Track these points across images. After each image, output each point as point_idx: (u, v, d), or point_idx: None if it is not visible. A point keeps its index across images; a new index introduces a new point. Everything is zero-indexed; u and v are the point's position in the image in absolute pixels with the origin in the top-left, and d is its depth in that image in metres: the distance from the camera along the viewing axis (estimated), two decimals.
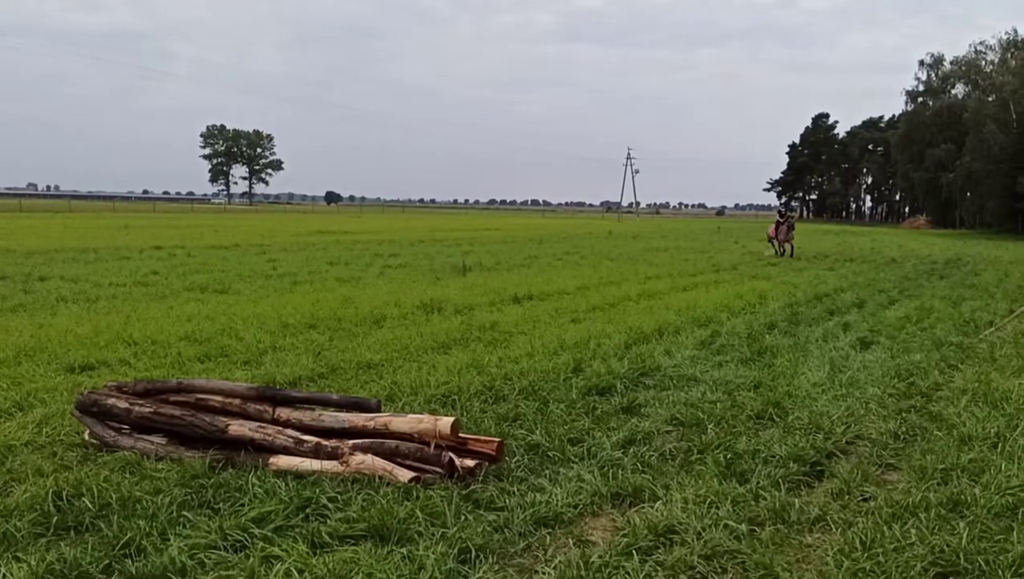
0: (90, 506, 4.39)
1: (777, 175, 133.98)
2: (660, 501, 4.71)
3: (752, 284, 17.45)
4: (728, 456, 5.48)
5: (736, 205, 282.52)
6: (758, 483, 4.99)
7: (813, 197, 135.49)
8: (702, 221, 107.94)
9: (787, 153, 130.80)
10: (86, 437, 5.64)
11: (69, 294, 13.49)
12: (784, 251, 28.21)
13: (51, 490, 4.53)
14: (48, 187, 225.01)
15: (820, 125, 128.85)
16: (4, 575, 3.63)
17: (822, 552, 4.13)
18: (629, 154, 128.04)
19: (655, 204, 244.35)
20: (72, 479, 4.77)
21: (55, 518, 4.25)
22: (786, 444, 5.72)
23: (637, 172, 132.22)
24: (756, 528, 4.37)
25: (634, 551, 4.03)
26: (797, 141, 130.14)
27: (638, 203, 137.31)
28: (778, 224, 28.76)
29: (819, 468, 5.41)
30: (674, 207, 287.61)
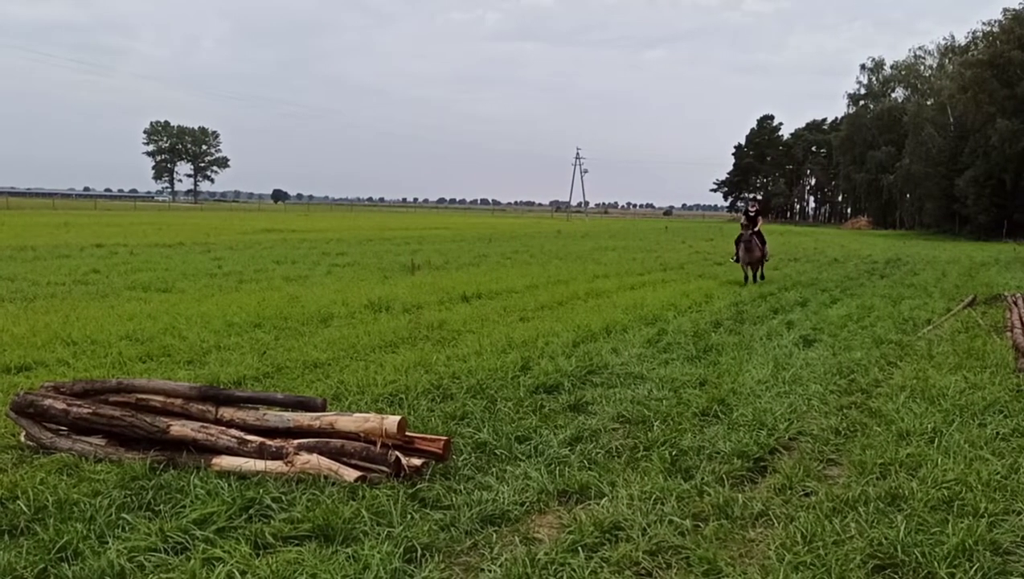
0: (25, 509, 4.28)
1: (724, 176, 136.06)
2: (606, 498, 4.75)
3: (698, 283, 17.70)
4: (673, 453, 5.55)
5: (684, 205, 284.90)
6: (703, 479, 5.06)
7: (758, 197, 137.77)
8: (650, 221, 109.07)
9: (733, 154, 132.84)
10: (22, 439, 5.48)
11: (6, 293, 13.11)
12: (751, 275, 18.35)
13: None
14: None
15: (765, 126, 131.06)
16: None
17: (764, 546, 4.19)
18: (578, 154, 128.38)
19: (604, 204, 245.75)
20: (7, 482, 4.64)
21: None
22: (730, 440, 5.81)
23: (586, 172, 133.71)
24: (700, 524, 4.43)
25: (580, 548, 4.05)
26: (743, 142, 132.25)
27: (587, 203, 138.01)
28: (740, 237, 18.30)
29: (762, 464, 5.50)
30: (623, 207, 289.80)
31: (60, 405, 5.47)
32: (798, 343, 10.10)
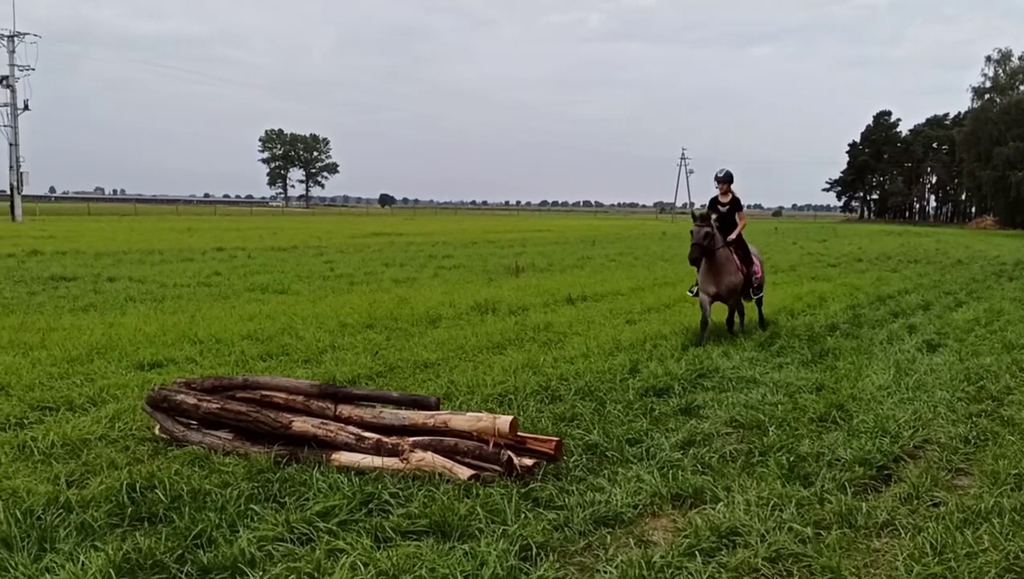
0: (162, 498, 4.53)
1: (837, 175, 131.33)
2: (722, 503, 4.67)
3: (811, 285, 17.15)
4: (791, 459, 5.41)
5: (794, 205, 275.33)
6: (823, 486, 4.91)
7: (874, 197, 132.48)
8: (759, 222, 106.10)
9: (847, 152, 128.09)
10: (156, 432, 5.80)
11: (137, 294, 13.88)
12: (722, 317, 11.02)
13: (125, 482, 4.69)
14: (115, 191, 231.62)
15: (882, 123, 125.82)
16: (83, 563, 3.75)
17: (891, 557, 4.05)
18: (683, 154, 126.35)
19: None
20: (144, 472, 4.92)
21: (129, 509, 4.40)
22: (851, 447, 5.62)
23: (692, 172, 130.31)
24: (822, 532, 4.30)
25: (696, 552, 4.00)
26: (858, 140, 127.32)
27: (692, 203, 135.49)
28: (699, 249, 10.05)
29: (886, 472, 5.31)
30: None
31: (191, 400, 5.75)
32: (921, 348, 9.67)
